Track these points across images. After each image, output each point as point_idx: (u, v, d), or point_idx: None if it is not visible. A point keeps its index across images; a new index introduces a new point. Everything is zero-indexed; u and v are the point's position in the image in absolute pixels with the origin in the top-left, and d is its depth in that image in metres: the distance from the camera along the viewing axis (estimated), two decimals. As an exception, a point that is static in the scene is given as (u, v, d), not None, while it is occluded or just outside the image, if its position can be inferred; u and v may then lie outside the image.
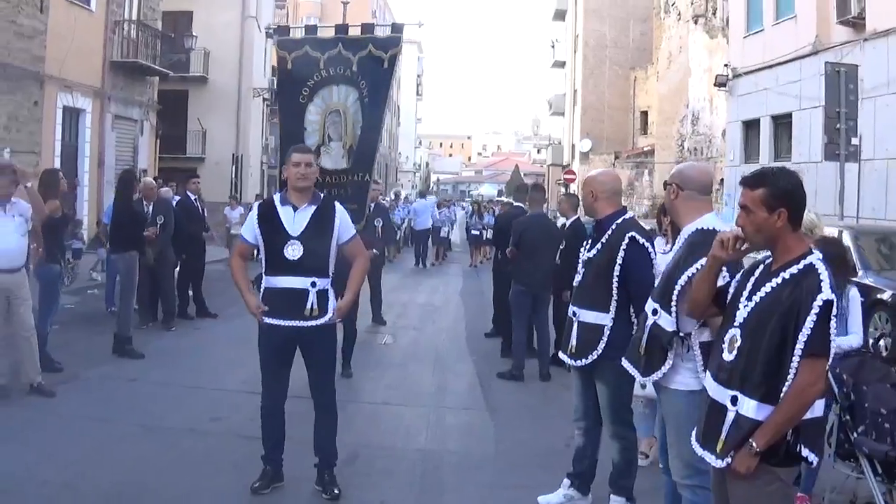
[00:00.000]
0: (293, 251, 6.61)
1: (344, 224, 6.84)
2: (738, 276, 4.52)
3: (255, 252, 7.00)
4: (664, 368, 5.24)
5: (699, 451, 4.37)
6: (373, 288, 16.61)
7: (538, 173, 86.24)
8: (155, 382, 10.78)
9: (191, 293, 16.58)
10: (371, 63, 10.92)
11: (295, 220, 6.69)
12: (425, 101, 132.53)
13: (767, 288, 4.17)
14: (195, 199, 16.75)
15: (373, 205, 15.76)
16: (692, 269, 5.03)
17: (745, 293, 4.30)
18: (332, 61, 10.98)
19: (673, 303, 5.15)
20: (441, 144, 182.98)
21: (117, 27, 29.21)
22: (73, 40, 25.41)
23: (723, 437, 4.17)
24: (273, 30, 12.15)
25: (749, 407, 4.09)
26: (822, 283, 4.01)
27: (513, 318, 12.52)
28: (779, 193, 4.17)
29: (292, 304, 6.65)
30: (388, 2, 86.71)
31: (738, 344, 4.20)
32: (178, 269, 16.05)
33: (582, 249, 6.79)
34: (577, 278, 6.73)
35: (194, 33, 37.63)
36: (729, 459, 4.13)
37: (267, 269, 6.78)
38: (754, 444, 4.02)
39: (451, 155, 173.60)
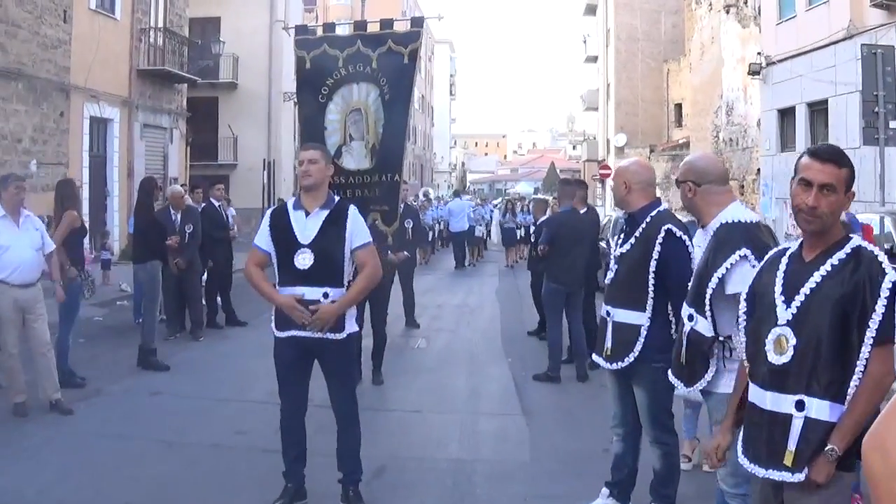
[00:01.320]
0: (303, 260, 6.29)
1: (356, 228, 6.47)
2: (755, 274, 4.15)
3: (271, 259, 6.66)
4: (708, 376, 4.99)
5: (756, 470, 3.92)
6: (405, 290, 16.44)
7: (574, 169, 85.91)
8: (179, 395, 10.52)
9: (219, 302, 16.33)
10: (391, 59, 10.63)
11: (307, 226, 6.38)
12: (459, 101, 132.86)
13: (817, 278, 3.78)
14: (219, 206, 16.49)
15: (402, 206, 15.56)
16: (721, 270, 4.80)
17: (779, 288, 3.90)
18: (352, 59, 10.71)
19: (707, 306, 4.87)
20: (476, 144, 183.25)
21: (143, 35, 29.09)
22: (98, 49, 25.35)
23: (792, 447, 3.73)
24: (292, 28, 11.87)
25: (820, 409, 3.67)
26: (883, 265, 3.65)
27: (547, 317, 12.35)
28: (853, 174, 3.86)
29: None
30: (419, 2, 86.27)
31: (791, 343, 3.77)
32: (205, 277, 15.76)
33: (612, 244, 6.42)
34: (610, 275, 6.36)
35: (222, 39, 37.63)
36: (805, 471, 3.69)
37: (279, 278, 6.46)
38: (836, 449, 3.60)
39: (486, 154, 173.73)
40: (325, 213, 6.41)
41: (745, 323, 4.11)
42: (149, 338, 12.16)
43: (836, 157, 3.85)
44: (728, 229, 4.92)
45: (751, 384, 4.02)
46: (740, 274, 4.74)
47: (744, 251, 4.80)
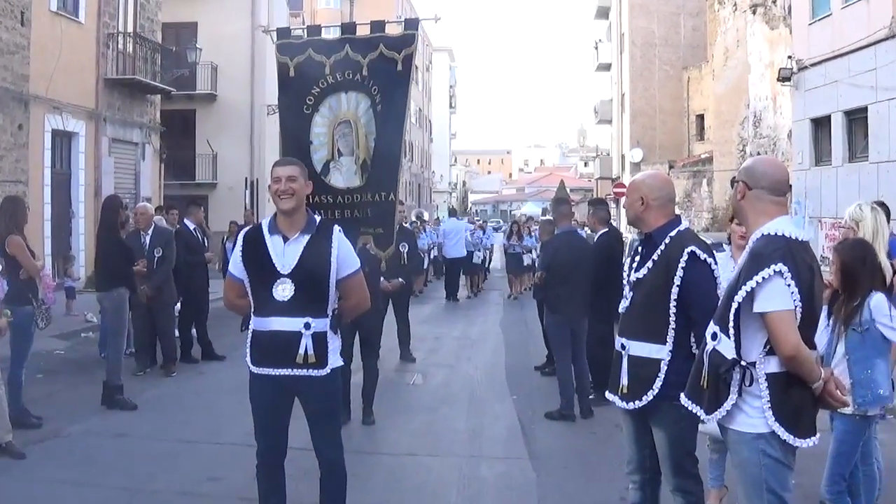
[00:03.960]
0: (283, 291, 6.13)
1: (343, 255, 6.31)
2: None
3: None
4: (727, 405, 4.86)
5: None
6: (400, 321, 16.40)
7: (586, 188, 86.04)
8: (146, 437, 10.37)
9: (195, 333, 16.17)
10: (383, 65, 10.57)
11: (285, 253, 6.21)
12: (460, 115, 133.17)
13: None
14: (194, 229, 16.35)
15: (398, 228, 15.49)
16: (752, 283, 4.69)
17: None
18: (340, 65, 10.65)
19: (731, 322, 4.78)
20: (479, 161, 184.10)
21: (111, 40, 29.08)
22: (60, 56, 25.30)
23: None
24: (273, 31, 11.77)
25: None
26: None
27: (553, 350, 12.30)
28: None
29: (283, 350, 6.17)
30: (415, 6, 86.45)
31: None
32: (179, 306, 15.61)
33: (626, 268, 6.25)
34: (624, 303, 6.19)
35: (199, 46, 37.56)
36: None
37: (254, 307, 6.30)
38: None
39: (489, 172, 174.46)
40: (307, 238, 6.25)
41: None
42: (114, 373, 12.00)
43: None
44: (767, 241, 4.80)
45: None
46: (771, 291, 4.65)
47: (779, 266, 4.66)
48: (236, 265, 6.36)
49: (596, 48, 69.03)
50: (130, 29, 30.58)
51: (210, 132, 39.91)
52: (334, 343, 6.29)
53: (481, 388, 14.14)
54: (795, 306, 4.52)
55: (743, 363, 4.77)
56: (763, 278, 4.61)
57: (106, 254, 12.67)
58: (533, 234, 30.42)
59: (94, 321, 18.70)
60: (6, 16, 22.94)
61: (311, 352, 6.14)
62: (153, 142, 32.80)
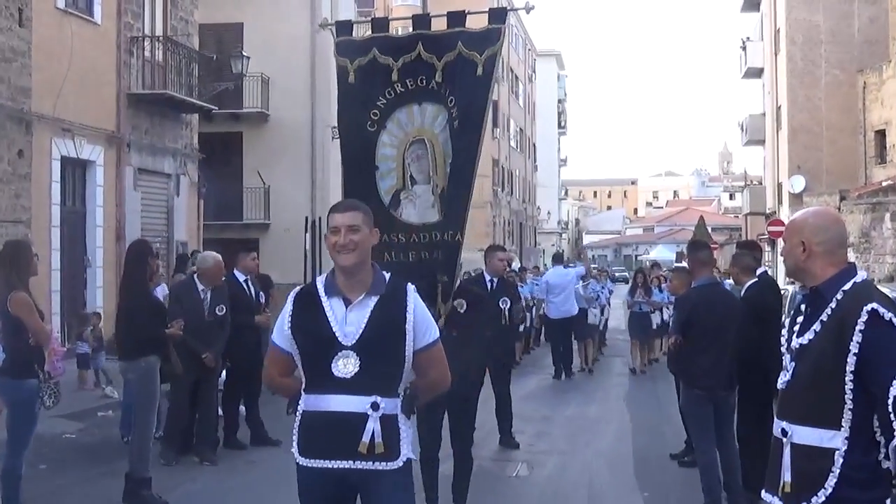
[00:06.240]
0: (345, 366, 6.06)
1: (420, 320, 6.24)
2: None
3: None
4: None
5: None
6: (499, 397, 16.36)
7: (732, 226, 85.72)
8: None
9: (243, 411, 16.22)
10: (461, 69, 10.47)
11: (348, 319, 6.15)
12: (571, 136, 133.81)
13: None
14: (246, 281, 16.42)
15: (496, 280, 15.40)
16: None
17: None
18: (411, 70, 10.60)
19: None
20: (595, 194, 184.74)
21: (135, 46, 29.30)
22: (71, 64, 25.38)
23: None
24: (331, 27, 11.78)
25: None
26: None
27: (692, 434, 12.27)
28: None
29: (342, 436, 6.08)
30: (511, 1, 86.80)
31: None
32: (223, 377, 15.73)
33: (786, 331, 6.11)
34: (784, 377, 6.05)
35: (246, 53, 37.59)
36: None
37: (307, 383, 6.25)
38: None
39: (609, 208, 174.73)
40: (374, 300, 6.20)
41: None
42: (141, 463, 12.04)
43: None
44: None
45: None
46: None
47: None
48: (282, 334, 6.29)
49: (743, 49, 68.61)
50: (159, 31, 30.96)
51: (261, 160, 40.38)
52: (407, 429, 6.22)
53: (603, 481, 14.11)
54: None
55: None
56: None
57: (131, 313, 12.72)
58: (664, 286, 28.53)
59: (115, 397, 18.91)
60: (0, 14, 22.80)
61: (378, 439, 6.04)
62: (190, 172, 33.09)
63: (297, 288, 6.50)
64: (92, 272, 27.28)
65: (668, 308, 26.41)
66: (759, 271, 12.78)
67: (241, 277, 16.39)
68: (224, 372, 15.64)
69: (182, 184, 32.38)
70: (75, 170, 26.92)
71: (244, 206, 40.29)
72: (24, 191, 23.75)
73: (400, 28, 12.50)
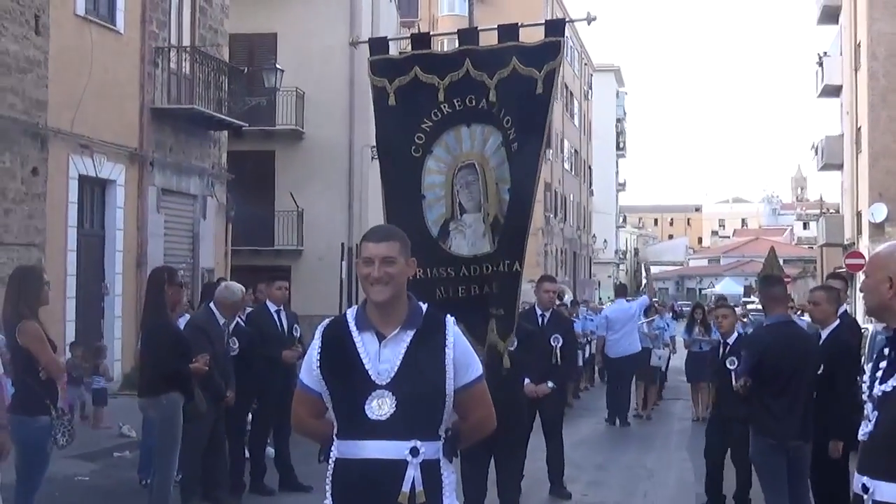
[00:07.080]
0: (380, 408, 5.92)
1: (461, 356, 6.10)
2: None
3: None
4: None
5: None
6: (550, 443, 16.23)
7: (807, 258, 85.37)
8: None
9: (271, 453, 16.13)
10: (518, 86, 10.36)
11: (381, 356, 6.03)
12: (630, 159, 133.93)
13: None
14: (276, 312, 16.33)
15: (547, 314, 15.32)
16: None
17: None
18: (458, 88, 10.49)
19: None
20: (656, 222, 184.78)
21: (160, 57, 29.43)
22: (91, 76, 25.37)
23: None
24: (363, 43, 11.73)
25: None
26: None
27: (763, 487, 12.02)
28: None
29: (380, 485, 5.94)
30: (568, 7, 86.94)
31: None
32: (250, 416, 15.68)
33: (868, 377, 6.00)
34: (866, 427, 5.93)
35: (280, 66, 37.68)
36: None
37: (339, 427, 6.12)
38: None
39: (671, 237, 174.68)
40: (410, 334, 6.07)
41: None
42: (161, 507, 12.02)
43: None
44: None
45: None
46: None
47: None
48: (310, 373, 6.18)
49: (819, 64, 68.56)
50: (186, 41, 31.09)
51: (294, 182, 40.47)
52: (450, 476, 6.10)
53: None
54: None
55: None
56: None
57: (151, 345, 12.69)
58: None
59: (133, 436, 18.86)
60: (14, 20, 22.67)
61: (420, 487, 5.90)
62: (217, 194, 33.24)
63: (326, 321, 6.37)
64: (110, 300, 27.23)
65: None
66: (839, 311, 12.63)
67: (273, 308, 16.33)
68: (251, 411, 15.59)
69: (209, 206, 32.48)
70: (94, 189, 27.00)
71: (275, 231, 40.43)
72: (38, 212, 23.68)
73: (445, 41, 12.34)
